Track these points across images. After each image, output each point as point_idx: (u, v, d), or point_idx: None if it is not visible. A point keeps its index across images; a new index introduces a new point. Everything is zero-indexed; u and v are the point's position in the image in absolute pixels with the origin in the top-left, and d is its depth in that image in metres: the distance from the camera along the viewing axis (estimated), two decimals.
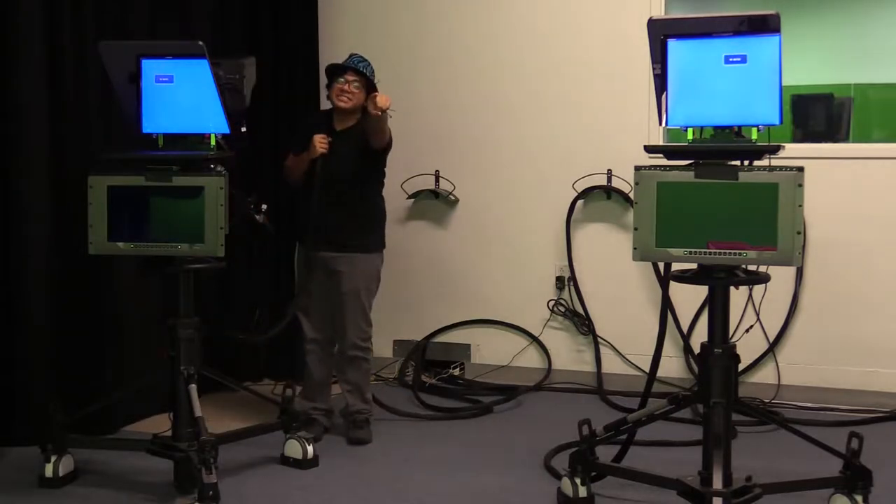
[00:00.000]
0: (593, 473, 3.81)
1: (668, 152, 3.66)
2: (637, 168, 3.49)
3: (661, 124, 3.56)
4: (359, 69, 4.61)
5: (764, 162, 3.40)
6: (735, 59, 3.37)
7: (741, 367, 3.80)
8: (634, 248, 3.48)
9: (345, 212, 4.58)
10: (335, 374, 4.82)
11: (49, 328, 4.48)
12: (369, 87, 4.62)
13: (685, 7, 6.03)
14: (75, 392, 4.45)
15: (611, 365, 5.60)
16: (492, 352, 5.82)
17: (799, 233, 3.30)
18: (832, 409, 5.10)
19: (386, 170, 4.76)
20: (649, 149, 3.67)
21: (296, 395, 4.41)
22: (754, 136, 3.40)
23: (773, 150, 3.37)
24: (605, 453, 3.90)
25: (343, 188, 4.57)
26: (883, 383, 5.15)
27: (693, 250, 3.40)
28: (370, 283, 4.72)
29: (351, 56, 4.69)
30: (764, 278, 3.56)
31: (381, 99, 4.34)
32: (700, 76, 3.44)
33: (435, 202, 5.90)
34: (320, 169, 4.51)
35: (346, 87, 4.59)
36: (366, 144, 4.55)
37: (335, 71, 4.64)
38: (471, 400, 5.37)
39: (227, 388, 4.99)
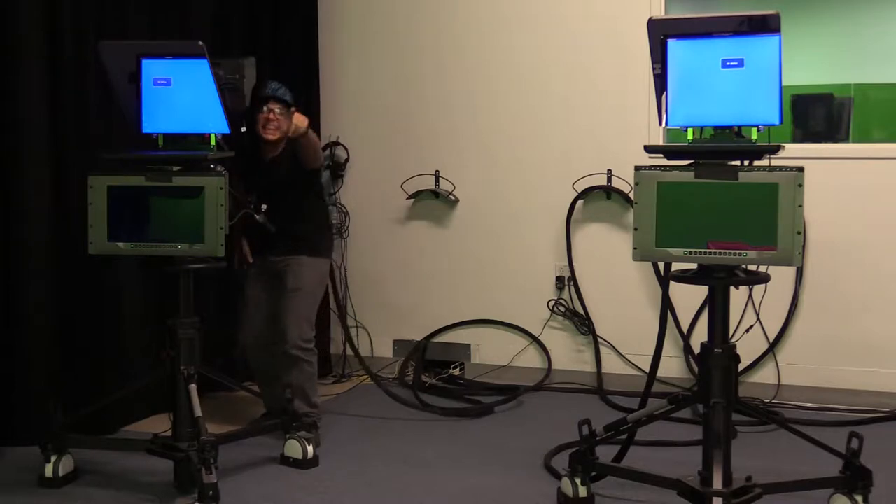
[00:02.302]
0: (593, 473, 3.81)
1: (668, 152, 3.66)
2: (637, 168, 3.49)
3: (661, 124, 3.56)
4: (279, 97, 4.55)
5: (764, 162, 3.40)
6: (732, 63, 3.37)
7: (741, 367, 3.80)
8: (634, 248, 3.48)
9: (289, 224, 4.57)
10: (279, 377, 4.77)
11: (49, 328, 4.48)
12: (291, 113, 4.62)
13: (685, 7, 6.03)
14: (75, 392, 4.46)
15: (611, 365, 5.60)
16: (492, 352, 5.82)
17: (799, 233, 3.30)
18: (832, 409, 5.10)
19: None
20: (649, 149, 3.66)
21: (295, 402, 4.40)
22: (754, 136, 3.40)
23: (773, 150, 3.37)
24: (605, 453, 3.90)
25: (283, 209, 4.54)
26: (883, 383, 5.15)
27: (693, 250, 3.40)
28: (316, 286, 4.69)
29: (269, 83, 4.61)
30: (764, 278, 3.55)
31: (297, 118, 4.40)
32: (700, 76, 3.43)
33: (435, 202, 5.90)
34: (256, 199, 4.48)
35: (269, 115, 4.54)
36: (297, 167, 4.58)
37: (256, 101, 4.52)
38: (471, 400, 5.37)
39: (227, 388, 4.99)
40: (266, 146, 4.61)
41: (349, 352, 5.78)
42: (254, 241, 4.69)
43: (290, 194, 4.61)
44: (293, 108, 4.55)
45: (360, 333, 5.98)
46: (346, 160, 6.01)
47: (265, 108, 4.52)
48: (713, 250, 3.37)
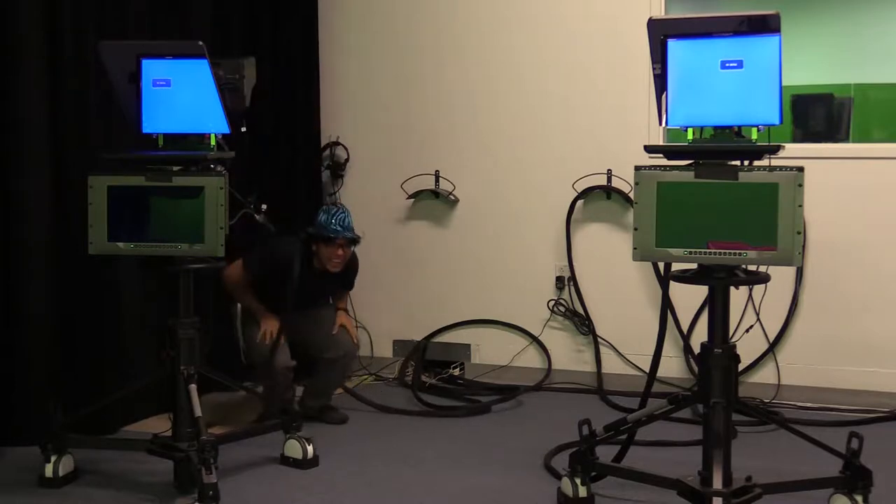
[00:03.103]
0: (593, 473, 3.81)
1: (668, 152, 3.65)
2: (637, 168, 3.49)
3: (661, 124, 3.56)
4: (349, 238, 4.73)
5: (764, 162, 3.40)
6: (731, 65, 3.37)
7: (741, 367, 3.80)
8: (634, 248, 3.48)
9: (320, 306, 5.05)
10: (322, 378, 4.94)
11: (49, 328, 4.48)
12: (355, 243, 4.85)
13: (685, 7, 6.03)
14: (75, 392, 4.45)
15: (611, 365, 5.60)
16: (492, 352, 5.82)
17: (799, 233, 3.30)
18: (832, 409, 5.10)
19: None
20: (649, 149, 3.66)
21: (296, 395, 4.40)
22: (754, 136, 3.40)
23: (773, 150, 3.37)
24: (605, 453, 3.90)
25: (312, 308, 4.93)
26: (883, 383, 5.15)
27: (693, 250, 3.40)
28: None
29: (335, 213, 4.71)
30: (764, 278, 3.55)
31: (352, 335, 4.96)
32: (700, 76, 3.43)
33: (435, 202, 5.90)
34: (294, 300, 4.65)
35: (338, 251, 4.72)
36: (338, 281, 4.97)
37: (327, 238, 4.70)
38: (471, 400, 5.36)
39: (227, 388, 4.99)
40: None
41: None
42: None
43: (325, 301, 5.10)
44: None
45: (360, 333, 5.97)
46: (346, 160, 6.01)
47: (335, 244, 4.70)
48: (713, 250, 3.37)
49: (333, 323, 4.90)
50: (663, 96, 3.50)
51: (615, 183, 5.47)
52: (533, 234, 5.72)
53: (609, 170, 5.49)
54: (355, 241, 4.80)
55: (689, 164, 3.45)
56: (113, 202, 3.93)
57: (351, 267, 5.00)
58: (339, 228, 4.69)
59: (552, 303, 5.70)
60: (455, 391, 5.57)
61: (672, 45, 3.45)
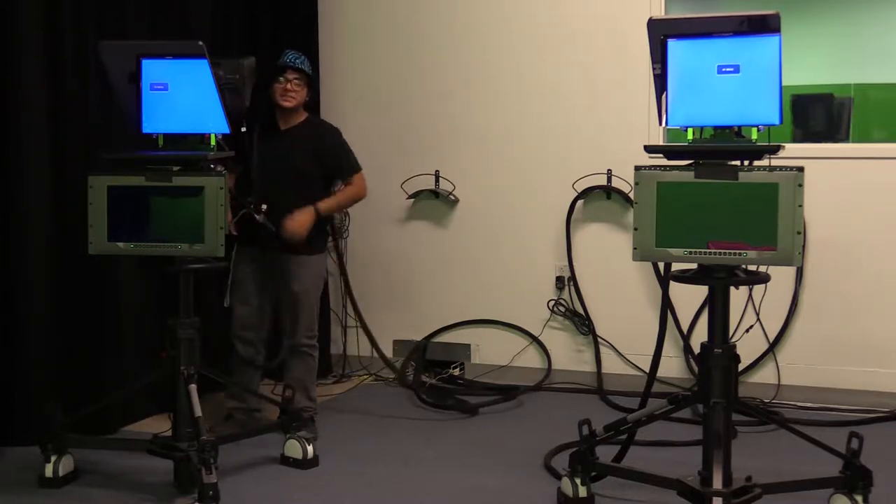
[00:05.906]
0: (593, 473, 3.81)
1: (668, 152, 3.66)
2: (637, 168, 3.50)
3: (661, 124, 3.56)
4: (297, 66, 4.60)
5: (764, 162, 3.41)
6: (728, 69, 3.37)
7: (741, 367, 3.80)
8: (634, 248, 3.48)
9: (290, 213, 4.55)
10: (281, 371, 4.83)
11: (49, 328, 4.48)
12: (310, 82, 4.68)
13: (685, 7, 6.03)
14: (75, 392, 4.45)
15: (611, 365, 5.60)
16: (492, 352, 5.82)
17: (799, 233, 3.30)
18: (832, 409, 5.09)
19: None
20: (649, 149, 3.66)
21: (295, 395, 4.41)
22: (754, 136, 3.41)
23: (773, 150, 3.37)
24: (605, 453, 3.90)
25: (285, 188, 4.55)
26: (883, 383, 5.15)
27: (693, 250, 3.40)
28: (317, 283, 4.76)
29: (287, 53, 4.65)
30: (764, 278, 3.56)
31: (292, 226, 4.49)
32: (700, 76, 3.43)
33: (435, 202, 5.90)
34: (259, 172, 4.50)
35: (288, 86, 4.59)
36: (310, 146, 4.65)
37: (274, 71, 4.60)
38: (459, 401, 5.33)
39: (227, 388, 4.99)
40: (282, 115, 4.65)
41: (350, 352, 5.80)
42: (247, 230, 4.53)
43: (294, 181, 4.60)
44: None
45: (361, 333, 5.97)
46: None
47: (282, 78, 4.57)
48: (713, 250, 3.37)
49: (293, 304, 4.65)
50: (663, 96, 3.50)
51: (615, 183, 5.47)
52: (533, 235, 5.72)
53: (609, 170, 5.48)
54: (306, 72, 4.61)
55: (689, 164, 3.45)
56: (113, 202, 3.93)
57: (326, 134, 4.76)
58: (286, 60, 4.57)
59: (552, 303, 5.70)
60: (455, 391, 5.57)
61: (672, 45, 3.46)
